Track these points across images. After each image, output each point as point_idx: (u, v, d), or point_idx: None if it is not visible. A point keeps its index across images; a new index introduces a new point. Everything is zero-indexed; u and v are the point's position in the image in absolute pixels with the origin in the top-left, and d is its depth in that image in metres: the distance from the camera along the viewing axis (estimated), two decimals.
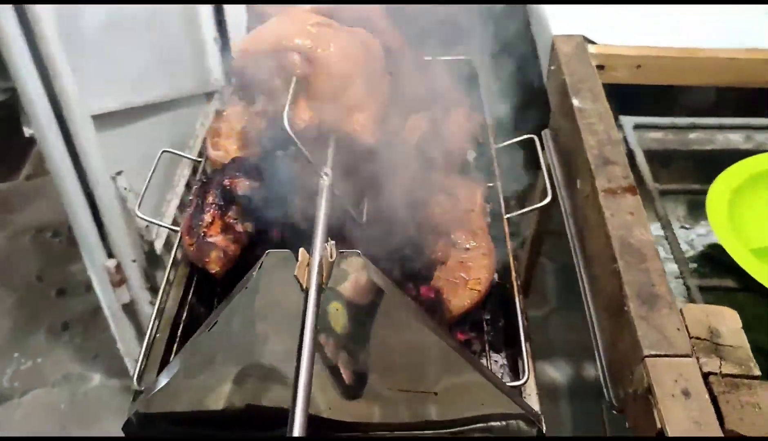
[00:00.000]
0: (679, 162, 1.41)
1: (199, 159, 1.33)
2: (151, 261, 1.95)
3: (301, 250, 0.76)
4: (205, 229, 1.11)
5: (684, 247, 1.16)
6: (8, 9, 1.46)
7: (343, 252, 0.74)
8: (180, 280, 1.13)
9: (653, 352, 0.83)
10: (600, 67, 1.38)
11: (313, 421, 0.90)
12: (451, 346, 0.83)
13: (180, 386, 0.85)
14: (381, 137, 0.94)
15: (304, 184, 1.03)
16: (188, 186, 2.34)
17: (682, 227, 1.25)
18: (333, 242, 0.75)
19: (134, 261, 1.93)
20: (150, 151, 2.20)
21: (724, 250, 1.08)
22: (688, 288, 1.02)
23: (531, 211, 1.14)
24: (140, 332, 2.09)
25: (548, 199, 1.14)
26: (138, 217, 1.17)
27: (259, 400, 0.83)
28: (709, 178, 1.37)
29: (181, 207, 2.27)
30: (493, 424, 0.93)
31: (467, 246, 1.05)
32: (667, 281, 0.92)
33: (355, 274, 0.75)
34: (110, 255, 1.91)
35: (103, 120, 1.81)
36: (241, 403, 0.84)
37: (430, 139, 1.22)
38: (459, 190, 1.16)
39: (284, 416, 0.63)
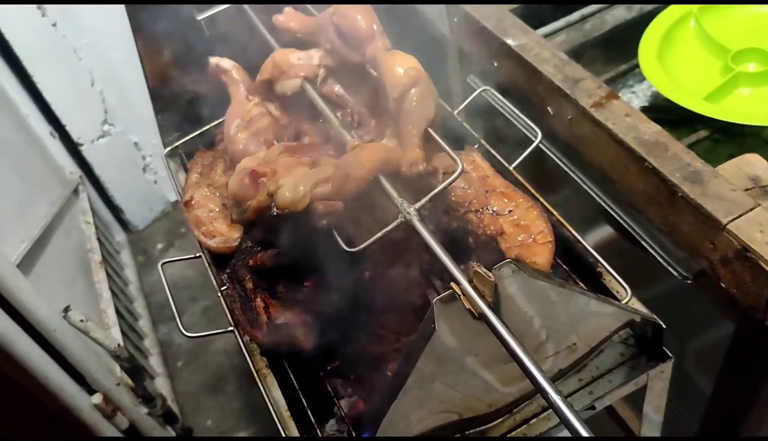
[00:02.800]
0: (589, 52, 1.55)
1: (198, 255, 1.27)
2: (135, 374, 1.84)
3: (452, 284, 0.79)
4: (266, 316, 1.08)
5: None
6: None
7: (495, 267, 0.77)
8: (265, 373, 1.10)
9: (731, 218, 0.95)
10: None
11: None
12: (575, 291, 0.90)
13: None
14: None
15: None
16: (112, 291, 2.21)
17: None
18: (475, 263, 0.79)
19: (119, 385, 1.81)
20: (67, 274, 2.05)
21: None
22: None
23: (531, 152, 1.22)
24: None
25: (540, 137, 1.22)
26: (189, 336, 1.12)
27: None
28: (621, 56, 1.53)
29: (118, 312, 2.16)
30: (621, 333, 1.04)
31: (509, 209, 1.12)
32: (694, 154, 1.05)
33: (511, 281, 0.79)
34: (91, 391, 1.78)
35: (24, 264, 1.66)
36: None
37: None
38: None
39: None
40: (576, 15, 1.57)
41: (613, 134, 1.11)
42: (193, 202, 1.29)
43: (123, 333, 2.10)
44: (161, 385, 2.20)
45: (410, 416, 0.91)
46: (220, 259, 1.25)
